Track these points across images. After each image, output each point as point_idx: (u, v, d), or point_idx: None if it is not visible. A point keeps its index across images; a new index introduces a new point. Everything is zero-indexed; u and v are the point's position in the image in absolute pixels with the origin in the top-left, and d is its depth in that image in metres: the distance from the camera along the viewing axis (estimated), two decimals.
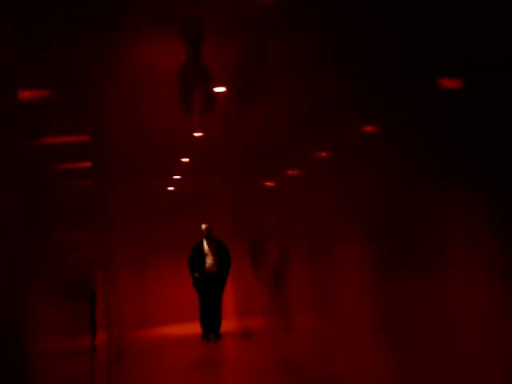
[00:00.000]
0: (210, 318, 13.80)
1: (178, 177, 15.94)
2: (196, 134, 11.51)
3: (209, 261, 13.78)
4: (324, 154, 7.53)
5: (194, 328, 14.54)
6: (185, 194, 17.09)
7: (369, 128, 6.01)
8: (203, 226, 14.01)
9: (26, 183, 3.96)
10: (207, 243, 13.94)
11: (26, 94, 4.21)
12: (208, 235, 14.00)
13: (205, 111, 8.92)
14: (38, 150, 4.55)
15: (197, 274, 13.73)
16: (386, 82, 5.36)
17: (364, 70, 5.82)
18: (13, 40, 3.85)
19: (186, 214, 17.14)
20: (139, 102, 9.47)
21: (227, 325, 14.33)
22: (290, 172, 9.63)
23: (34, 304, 3.98)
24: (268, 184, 11.49)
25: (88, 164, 7.02)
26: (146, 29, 7.36)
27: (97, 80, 8.02)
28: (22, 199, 3.78)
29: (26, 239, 3.78)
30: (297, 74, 7.85)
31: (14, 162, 3.71)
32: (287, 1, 6.73)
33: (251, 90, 8.98)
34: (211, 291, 13.75)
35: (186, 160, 13.97)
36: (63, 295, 5.11)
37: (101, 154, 8.85)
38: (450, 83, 4.33)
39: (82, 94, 6.87)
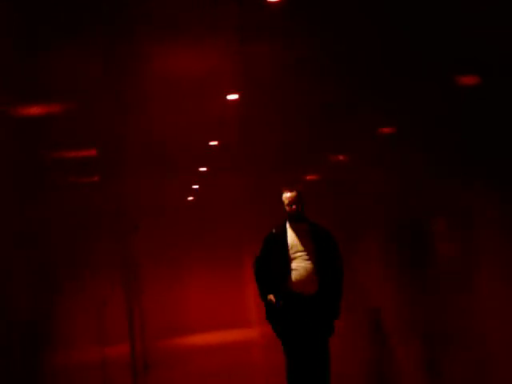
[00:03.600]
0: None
1: (196, 186, 16.08)
2: (211, 143, 11.57)
3: (299, 269, 6.38)
4: None
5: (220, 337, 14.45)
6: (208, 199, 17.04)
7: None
8: (287, 196, 6.41)
9: (34, 196, 4.00)
10: (295, 232, 6.49)
11: (35, 108, 4.26)
12: (297, 216, 6.45)
13: None
14: (52, 162, 4.60)
15: (273, 298, 6.41)
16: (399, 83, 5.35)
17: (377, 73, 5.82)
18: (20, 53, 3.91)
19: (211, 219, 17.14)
20: (154, 111, 9.54)
21: None
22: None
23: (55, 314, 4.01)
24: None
25: (97, 177, 7.06)
26: (160, 39, 7.44)
27: (112, 90, 8.10)
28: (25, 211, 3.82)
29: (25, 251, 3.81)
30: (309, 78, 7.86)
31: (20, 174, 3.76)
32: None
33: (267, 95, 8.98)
34: (306, 332, 6.31)
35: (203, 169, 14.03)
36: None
37: (114, 164, 8.87)
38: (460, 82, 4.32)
39: (96, 106, 6.93)
